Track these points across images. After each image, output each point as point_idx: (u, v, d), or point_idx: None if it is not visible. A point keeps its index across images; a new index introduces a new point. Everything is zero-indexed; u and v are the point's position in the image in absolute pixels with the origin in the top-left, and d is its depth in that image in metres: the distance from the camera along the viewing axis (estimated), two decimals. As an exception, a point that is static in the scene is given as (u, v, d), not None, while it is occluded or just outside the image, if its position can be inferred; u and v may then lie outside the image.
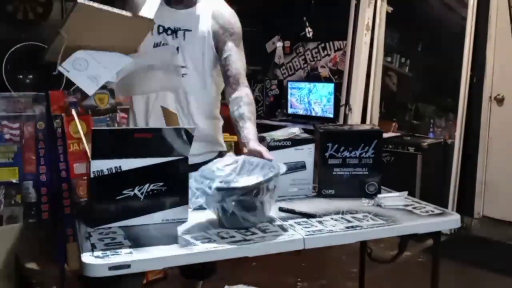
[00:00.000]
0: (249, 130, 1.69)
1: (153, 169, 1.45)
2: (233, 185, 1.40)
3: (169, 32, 1.83)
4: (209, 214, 1.60)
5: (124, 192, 1.44)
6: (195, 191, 1.63)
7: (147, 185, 1.45)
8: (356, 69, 4.32)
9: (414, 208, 1.71)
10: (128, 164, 1.44)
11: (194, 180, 1.46)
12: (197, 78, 1.89)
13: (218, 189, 1.40)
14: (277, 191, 1.48)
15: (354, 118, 4.31)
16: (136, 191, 1.45)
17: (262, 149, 1.57)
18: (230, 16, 1.89)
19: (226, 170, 1.45)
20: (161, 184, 1.47)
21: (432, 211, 1.69)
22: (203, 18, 1.85)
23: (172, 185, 1.48)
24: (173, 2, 1.85)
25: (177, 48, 1.84)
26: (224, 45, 1.84)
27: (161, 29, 1.83)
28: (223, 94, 1.95)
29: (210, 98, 1.94)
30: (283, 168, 1.49)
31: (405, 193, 1.79)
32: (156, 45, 1.83)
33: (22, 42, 3.76)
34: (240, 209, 1.41)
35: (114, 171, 1.43)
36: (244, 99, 1.78)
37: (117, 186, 1.44)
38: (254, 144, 1.60)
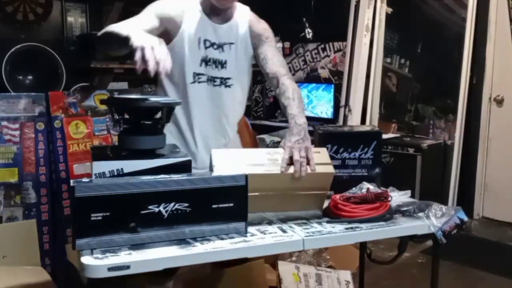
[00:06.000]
0: (290, 119, 1.69)
1: (157, 171, 1.43)
2: None
3: (215, 46, 1.87)
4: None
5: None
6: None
7: None
8: (356, 70, 4.32)
9: (414, 209, 1.71)
10: (131, 166, 1.43)
11: None
12: (239, 91, 1.96)
13: None
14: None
15: (354, 119, 4.31)
16: None
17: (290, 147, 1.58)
18: (263, 24, 1.97)
19: None
20: None
21: (432, 212, 1.69)
22: (242, 31, 1.91)
23: None
24: (213, 18, 1.86)
25: (225, 62, 1.89)
26: (260, 48, 1.91)
27: (207, 44, 1.86)
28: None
29: (241, 113, 2.04)
30: None
31: (408, 192, 1.79)
32: (203, 60, 1.86)
33: (22, 42, 3.75)
34: None
35: (115, 173, 1.42)
36: (286, 92, 1.77)
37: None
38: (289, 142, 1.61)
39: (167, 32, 1.80)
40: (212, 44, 1.86)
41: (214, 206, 1.39)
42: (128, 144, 1.49)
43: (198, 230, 1.39)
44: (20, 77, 3.77)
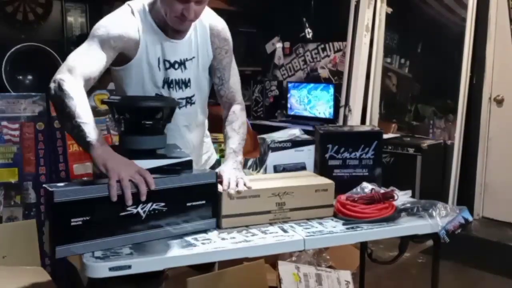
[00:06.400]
0: (228, 151, 1.70)
1: (158, 171, 1.42)
2: None
3: (176, 66, 1.72)
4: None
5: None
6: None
7: None
8: (356, 70, 4.32)
9: (414, 209, 1.71)
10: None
11: None
12: (202, 101, 1.83)
13: None
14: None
15: (354, 119, 4.31)
16: None
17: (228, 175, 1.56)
18: (224, 30, 1.81)
19: None
20: None
21: (432, 212, 1.68)
22: (202, 39, 1.75)
23: None
24: (170, 33, 1.69)
25: (189, 80, 1.75)
26: (218, 64, 1.79)
27: (167, 64, 1.70)
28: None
29: (204, 123, 1.91)
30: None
31: (409, 192, 1.79)
32: (165, 82, 1.71)
33: (22, 42, 3.75)
34: None
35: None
36: (234, 124, 1.77)
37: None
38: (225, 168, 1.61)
39: (122, 53, 1.64)
40: (173, 64, 1.71)
41: (188, 204, 1.43)
42: (128, 144, 1.49)
43: (175, 227, 1.41)
44: (20, 77, 3.77)
